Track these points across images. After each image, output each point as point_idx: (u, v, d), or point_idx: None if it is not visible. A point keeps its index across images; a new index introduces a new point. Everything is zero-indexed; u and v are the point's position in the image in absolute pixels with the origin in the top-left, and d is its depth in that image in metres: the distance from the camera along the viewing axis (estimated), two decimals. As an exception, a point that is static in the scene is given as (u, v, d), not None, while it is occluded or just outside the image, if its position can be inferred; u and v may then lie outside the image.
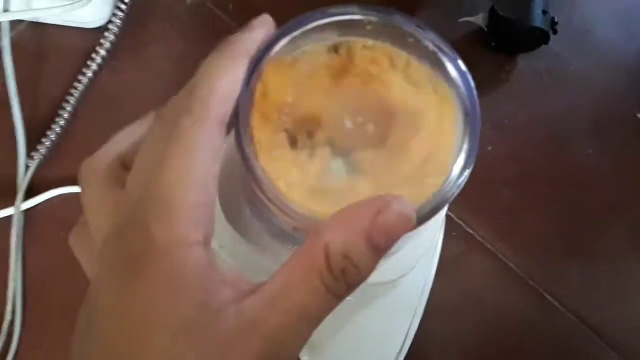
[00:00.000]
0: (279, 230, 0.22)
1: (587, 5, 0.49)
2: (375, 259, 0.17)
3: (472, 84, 0.21)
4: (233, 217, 0.24)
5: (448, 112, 0.21)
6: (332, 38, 0.21)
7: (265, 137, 0.20)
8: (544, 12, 0.43)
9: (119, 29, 0.43)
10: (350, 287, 0.17)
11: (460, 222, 0.42)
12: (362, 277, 0.17)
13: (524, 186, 0.44)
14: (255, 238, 0.24)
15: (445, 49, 0.21)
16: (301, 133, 0.20)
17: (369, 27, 0.21)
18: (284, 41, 0.20)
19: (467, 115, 0.20)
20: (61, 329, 0.39)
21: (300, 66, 0.21)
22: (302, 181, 0.20)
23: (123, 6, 0.43)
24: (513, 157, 0.44)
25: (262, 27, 0.20)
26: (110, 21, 0.43)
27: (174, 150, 0.17)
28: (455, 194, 0.20)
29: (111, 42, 0.43)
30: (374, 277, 0.24)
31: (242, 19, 0.45)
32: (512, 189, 0.44)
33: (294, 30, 0.20)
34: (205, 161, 0.18)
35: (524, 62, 0.46)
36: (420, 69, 0.21)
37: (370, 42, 0.21)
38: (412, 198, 0.19)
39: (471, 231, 0.42)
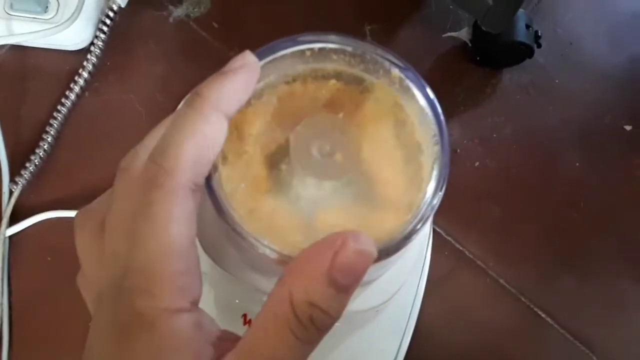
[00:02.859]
0: (254, 262, 0.22)
1: (571, 18, 0.49)
2: (344, 298, 0.17)
3: (440, 110, 0.21)
4: (211, 249, 0.24)
5: (416, 139, 0.21)
6: (298, 67, 0.21)
7: (233, 172, 0.19)
8: (527, 26, 0.43)
9: (101, 50, 0.43)
10: (323, 331, 0.17)
11: (450, 239, 0.42)
12: (334, 319, 0.17)
13: (513, 201, 0.44)
14: (234, 268, 0.24)
15: (414, 77, 0.21)
16: (270, 165, 0.20)
17: (335, 57, 0.21)
18: None
19: (437, 141, 0.20)
20: (47, 353, 0.38)
21: (267, 98, 0.21)
22: (271, 214, 0.19)
23: (105, 28, 0.42)
24: (501, 172, 0.44)
25: (241, 72, 0.19)
26: (92, 43, 0.43)
27: (150, 226, 0.17)
28: (430, 217, 0.20)
29: (93, 64, 0.42)
30: (356, 305, 0.23)
31: (226, 39, 0.45)
32: (501, 204, 0.43)
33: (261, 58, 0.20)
34: (181, 230, 0.17)
35: (510, 76, 0.46)
36: (386, 97, 0.21)
37: (333, 70, 0.21)
38: (388, 224, 0.19)
39: (461, 248, 0.42)
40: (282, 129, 0.20)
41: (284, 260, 0.19)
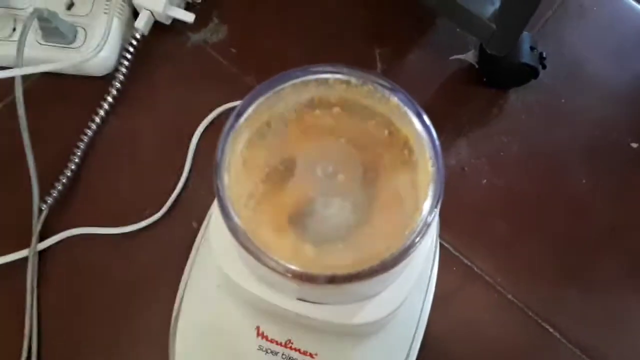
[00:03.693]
0: (263, 275, 0.24)
1: (576, 37, 0.50)
2: None
3: (435, 135, 0.22)
4: (225, 262, 0.25)
5: (413, 160, 0.22)
6: (304, 96, 0.23)
7: (239, 186, 0.21)
8: (532, 48, 0.44)
9: (124, 76, 0.45)
10: None
11: (458, 255, 0.43)
12: None
13: (521, 217, 0.45)
14: (245, 281, 0.25)
15: (411, 105, 0.23)
16: (276, 185, 0.22)
17: (338, 86, 0.23)
18: (253, 106, 0.22)
19: (433, 163, 0.22)
20: (78, 356, 0.40)
21: (275, 126, 0.23)
22: (277, 230, 0.21)
23: (128, 55, 0.45)
24: (508, 189, 0.45)
25: None
26: (116, 69, 0.45)
27: None
28: (426, 232, 0.22)
29: (118, 90, 0.45)
30: (358, 319, 0.25)
31: (242, 64, 0.48)
32: (508, 220, 0.44)
33: (264, 93, 0.22)
34: None
35: (516, 96, 0.48)
36: (386, 123, 0.23)
37: (336, 99, 0.23)
38: (387, 240, 0.20)
39: (469, 263, 0.43)
40: (289, 153, 0.22)
41: (291, 274, 0.21)
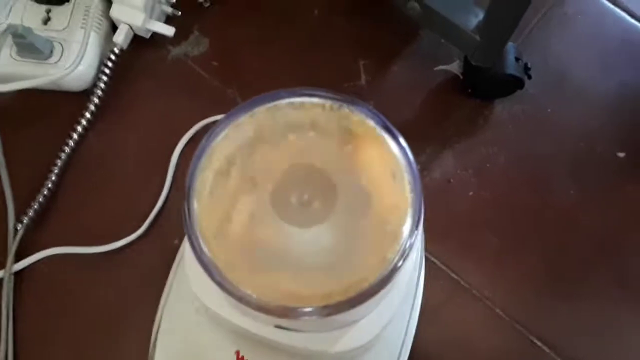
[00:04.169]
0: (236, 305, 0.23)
1: (561, 47, 0.50)
2: None
3: (412, 158, 0.21)
4: (199, 289, 0.24)
5: (391, 184, 0.22)
6: (278, 120, 0.22)
7: (208, 214, 0.20)
8: (517, 58, 0.44)
9: (102, 91, 0.44)
10: None
11: (445, 268, 0.43)
12: None
13: (508, 230, 0.44)
14: (220, 308, 0.24)
15: (388, 127, 0.22)
16: (250, 212, 0.21)
17: (314, 111, 0.22)
18: (226, 130, 0.21)
19: (411, 189, 0.21)
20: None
21: (247, 151, 0.22)
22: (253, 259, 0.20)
23: (107, 70, 0.44)
24: (495, 201, 0.45)
25: None
26: (95, 84, 0.44)
27: None
28: (409, 254, 0.21)
29: (96, 105, 0.44)
30: (340, 346, 0.24)
31: (224, 77, 0.47)
32: (495, 233, 0.44)
33: (237, 116, 0.21)
34: None
35: (502, 107, 0.47)
36: (362, 146, 0.22)
37: (310, 122, 0.22)
38: (368, 265, 0.20)
39: (455, 277, 0.42)
40: (263, 179, 0.21)
41: (264, 309, 0.20)
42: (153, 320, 0.35)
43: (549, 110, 0.48)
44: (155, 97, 0.46)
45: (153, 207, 0.42)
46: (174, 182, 0.43)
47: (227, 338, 0.30)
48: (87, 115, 0.44)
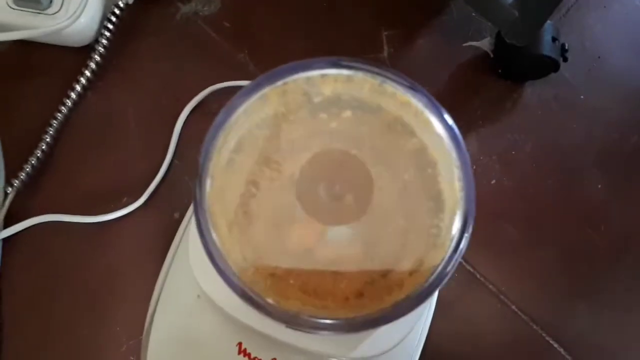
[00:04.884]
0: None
1: (599, 30, 0.46)
2: None
3: (467, 154, 0.18)
4: (204, 280, 0.22)
5: (438, 180, 0.19)
6: (306, 96, 0.19)
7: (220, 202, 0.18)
8: (554, 39, 0.41)
9: (105, 48, 0.41)
10: None
11: (461, 260, 0.40)
12: None
13: (530, 222, 0.41)
14: (224, 301, 0.22)
15: (442, 115, 0.19)
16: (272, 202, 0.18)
17: (349, 85, 0.19)
18: (248, 102, 0.18)
19: (461, 186, 0.18)
20: (40, 358, 0.37)
21: (272, 129, 0.18)
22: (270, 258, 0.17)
23: (110, 25, 0.41)
24: (519, 191, 0.42)
25: None
26: (97, 40, 0.41)
27: None
28: (454, 268, 0.18)
29: (97, 63, 0.41)
30: (360, 352, 0.21)
31: (236, 40, 0.44)
32: (516, 225, 0.41)
33: (262, 86, 0.18)
34: None
35: (532, 90, 0.44)
36: (405, 131, 0.19)
37: (347, 100, 0.19)
38: (404, 276, 0.17)
39: (472, 270, 0.40)
40: (287, 166, 0.18)
41: (280, 317, 0.17)
42: (147, 299, 0.33)
43: (582, 96, 0.44)
44: (161, 58, 0.43)
45: (153, 177, 0.39)
46: (177, 151, 0.40)
47: (229, 329, 0.27)
48: (87, 73, 0.41)
